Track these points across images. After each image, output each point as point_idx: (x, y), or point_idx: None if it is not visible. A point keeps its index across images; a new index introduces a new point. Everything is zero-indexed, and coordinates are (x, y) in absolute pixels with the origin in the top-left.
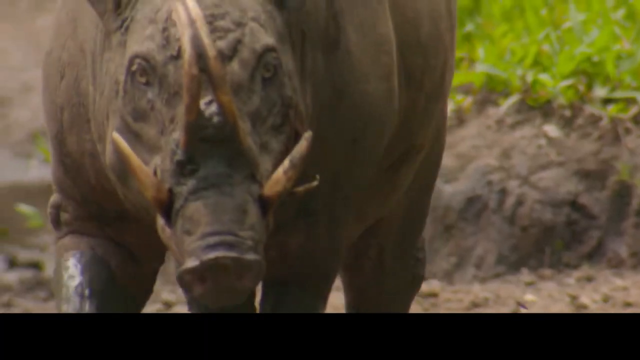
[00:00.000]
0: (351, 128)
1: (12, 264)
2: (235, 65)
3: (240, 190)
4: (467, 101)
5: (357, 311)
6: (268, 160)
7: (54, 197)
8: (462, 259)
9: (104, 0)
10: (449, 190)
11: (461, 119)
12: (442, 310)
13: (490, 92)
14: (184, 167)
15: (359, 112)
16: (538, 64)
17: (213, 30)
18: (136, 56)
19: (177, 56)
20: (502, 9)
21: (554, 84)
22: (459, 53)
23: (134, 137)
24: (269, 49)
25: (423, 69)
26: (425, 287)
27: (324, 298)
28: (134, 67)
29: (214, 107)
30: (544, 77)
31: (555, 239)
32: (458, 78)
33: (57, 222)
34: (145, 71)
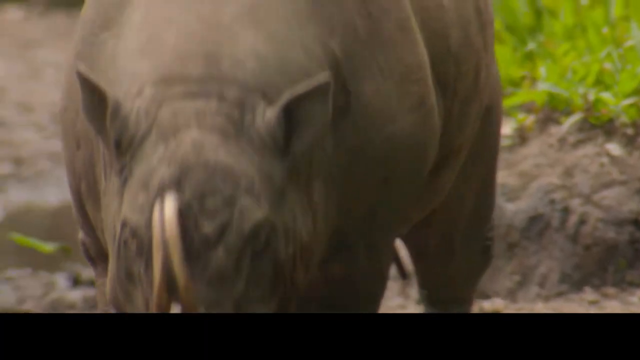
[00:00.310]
0: (380, 170)
1: (76, 282)
2: (220, 252)
3: None
4: (529, 120)
5: (428, 292)
6: None
7: (80, 234)
8: (525, 277)
9: (102, 130)
10: (512, 208)
11: (523, 137)
12: None
13: (552, 110)
14: None
15: (386, 154)
16: (600, 82)
17: (201, 210)
18: (127, 225)
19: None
20: (564, 27)
21: (616, 103)
22: (520, 71)
23: (125, 294)
24: (259, 225)
25: (455, 76)
26: (488, 305)
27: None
28: (126, 233)
29: None
30: (605, 96)
31: (618, 258)
32: (520, 97)
33: (89, 257)
34: (134, 240)
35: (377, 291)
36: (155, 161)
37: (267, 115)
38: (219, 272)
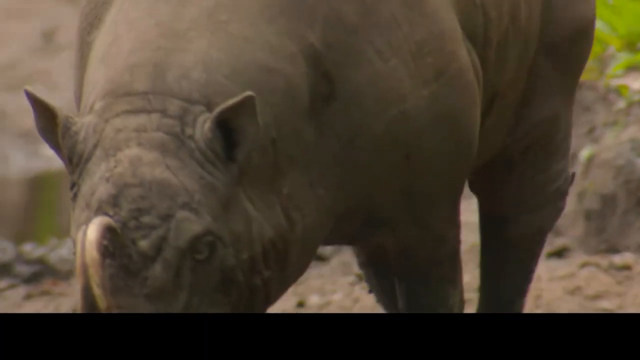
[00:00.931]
0: (397, 148)
1: None
2: (158, 267)
3: None
4: None
5: (492, 223)
6: None
7: None
8: None
9: (58, 147)
10: None
11: None
12: (635, 282)
13: None
14: None
15: (398, 133)
16: None
17: (137, 227)
18: (74, 242)
19: (103, 255)
20: None
21: None
22: None
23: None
24: (197, 238)
25: (484, 25)
26: (618, 259)
27: (452, 282)
28: (74, 250)
29: None
30: None
31: None
32: None
33: None
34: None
35: (440, 254)
36: (97, 179)
37: (204, 129)
38: (158, 287)
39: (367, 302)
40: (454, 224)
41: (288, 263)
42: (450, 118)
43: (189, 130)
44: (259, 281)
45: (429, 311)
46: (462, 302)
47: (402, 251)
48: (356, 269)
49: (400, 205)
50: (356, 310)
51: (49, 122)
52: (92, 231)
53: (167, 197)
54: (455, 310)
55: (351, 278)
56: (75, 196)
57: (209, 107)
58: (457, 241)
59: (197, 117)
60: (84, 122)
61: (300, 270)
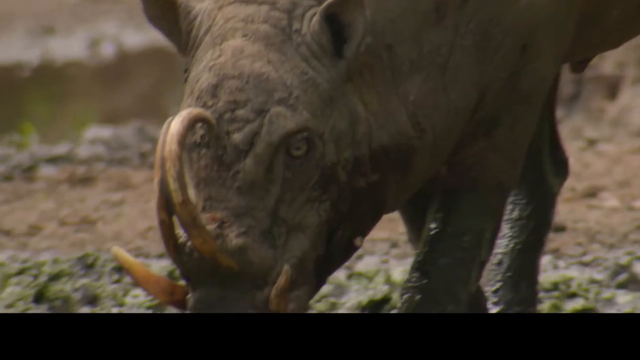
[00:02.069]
0: (518, 38)
1: None
2: (249, 162)
3: (236, 311)
4: None
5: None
6: (303, 240)
7: None
8: None
9: (177, 39)
10: None
11: None
12: None
13: None
14: (186, 283)
15: (523, 23)
16: None
17: (232, 120)
18: None
19: (200, 144)
20: None
21: None
22: None
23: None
24: (291, 133)
25: None
26: None
27: (493, 214)
28: None
29: (190, 245)
30: None
31: None
32: None
33: None
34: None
35: (511, 182)
36: (202, 67)
37: (312, 22)
38: (249, 180)
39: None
40: (524, 156)
41: (411, 169)
42: (562, 18)
43: (296, 24)
44: (363, 183)
45: (460, 234)
46: (489, 248)
47: (481, 162)
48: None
49: (504, 103)
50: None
51: (158, 9)
52: (176, 124)
53: (264, 91)
54: (483, 251)
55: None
56: (185, 81)
57: (319, 2)
58: (517, 180)
59: (306, 11)
60: (201, 8)
61: (423, 177)
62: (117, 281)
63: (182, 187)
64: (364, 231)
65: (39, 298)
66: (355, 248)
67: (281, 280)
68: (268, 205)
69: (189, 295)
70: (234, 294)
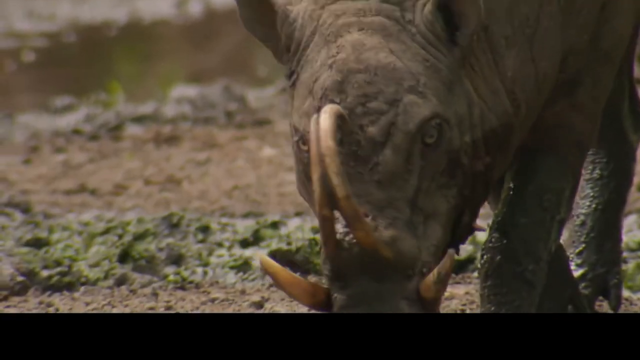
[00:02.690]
0: None
1: None
2: (388, 153)
3: (393, 304)
4: None
5: None
6: (437, 228)
7: None
8: None
9: (275, 42)
10: None
11: None
12: None
13: None
14: (334, 282)
15: None
16: None
17: (365, 113)
18: (297, 130)
19: None
20: None
21: None
22: None
23: (307, 193)
24: (426, 121)
25: None
26: None
27: (573, 173)
28: (296, 137)
29: (351, 237)
30: None
31: None
32: None
33: None
34: (305, 143)
35: (590, 138)
36: (318, 66)
37: (424, 12)
38: (389, 171)
39: None
40: (601, 114)
41: (510, 147)
42: None
43: (408, 15)
44: (481, 166)
45: (540, 193)
46: (569, 206)
47: (561, 121)
48: None
49: (585, 64)
50: None
51: (254, 12)
52: (325, 119)
53: (393, 81)
54: (562, 208)
55: None
56: (293, 84)
57: None
58: (596, 138)
59: (416, 1)
60: (299, 10)
61: (516, 147)
62: (201, 241)
63: (345, 181)
64: (478, 213)
65: (123, 257)
66: (473, 231)
67: (446, 266)
68: (408, 196)
69: (336, 295)
70: (387, 287)
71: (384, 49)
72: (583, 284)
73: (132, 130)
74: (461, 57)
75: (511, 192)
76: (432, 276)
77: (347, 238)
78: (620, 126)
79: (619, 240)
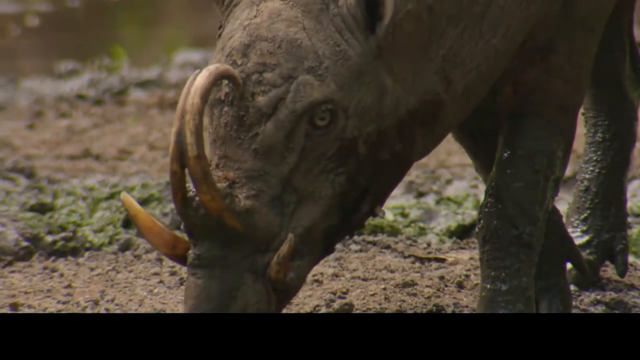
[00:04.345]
0: None
1: None
2: (270, 126)
3: (235, 273)
4: None
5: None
6: (313, 210)
7: None
8: None
9: None
10: None
11: None
12: None
13: None
14: (189, 237)
15: None
16: None
17: (259, 82)
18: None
19: (223, 101)
20: None
21: None
22: None
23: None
24: (316, 104)
25: None
26: None
27: (562, 133)
28: None
29: (197, 200)
30: None
31: None
32: None
33: None
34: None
35: (576, 102)
36: (237, 25)
37: None
38: (267, 144)
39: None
40: (589, 76)
41: (438, 123)
42: None
43: None
44: (386, 155)
45: (531, 156)
46: (563, 165)
47: (535, 89)
48: None
49: (561, 29)
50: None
51: None
52: (202, 77)
53: (295, 58)
54: (557, 168)
55: None
56: (219, 37)
57: None
58: (582, 100)
59: None
60: None
61: (456, 123)
62: None
63: (199, 141)
64: (384, 199)
65: (128, 223)
66: (374, 216)
67: (284, 249)
68: (282, 172)
69: (190, 251)
70: (234, 256)
71: (297, 24)
72: (588, 251)
73: (136, 95)
74: (377, 48)
75: (502, 157)
76: (275, 257)
77: (196, 198)
78: (620, 87)
79: (624, 204)
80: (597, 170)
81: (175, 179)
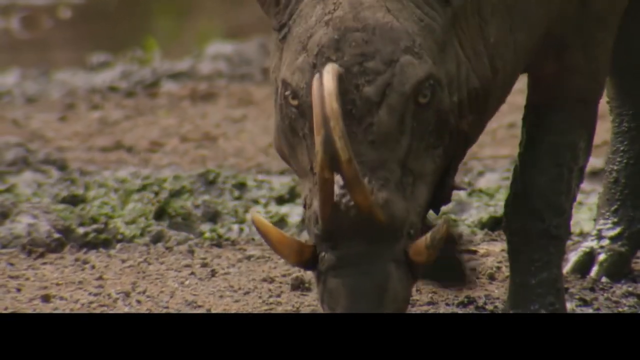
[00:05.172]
0: None
1: None
2: (382, 113)
3: (381, 266)
4: None
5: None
6: (424, 188)
7: None
8: None
9: None
10: None
11: None
12: None
13: None
14: (324, 242)
15: None
16: None
17: (361, 72)
18: (287, 85)
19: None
20: None
21: None
22: None
23: (291, 149)
24: (421, 82)
25: None
26: None
27: (583, 125)
28: (286, 92)
29: (348, 199)
30: None
31: None
32: None
33: None
34: (295, 98)
35: (595, 93)
36: (314, 21)
37: None
38: (383, 132)
39: None
40: (607, 67)
41: (487, 109)
42: None
43: None
44: (465, 125)
45: (554, 150)
46: (586, 154)
47: (559, 81)
48: None
49: (575, 26)
50: None
51: None
52: (329, 80)
53: (391, 41)
54: (580, 159)
55: None
56: (284, 38)
57: None
58: (602, 91)
59: None
60: None
61: (493, 113)
62: (237, 198)
63: (348, 144)
64: (456, 172)
65: (160, 215)
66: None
67: (441, 231)
68: (399, 156)
69: (324, 254)
70: (376, 248)
71: (381, 8)
72: (620, 243)
73: (168, 87)
74: (453, 17)
75: (526, 152)
76: (425, 240)
77: (343, 200)
78: None
79: None
80: (624, 161)
81: (327, 186)
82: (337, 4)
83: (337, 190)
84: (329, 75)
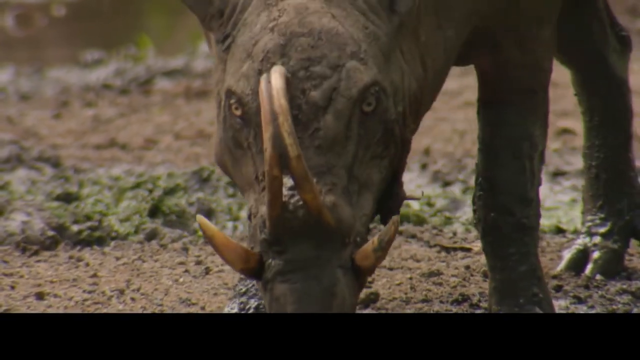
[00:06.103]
0: None
1: None
2: (329, 118)
3: (329, 270)
4: None
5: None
6: (369, 197)
7: None
8: None
9: (205, 7)
10: None
11: None
12: None
13: None
14: (271, 247)
15: None
16: None
17: (307, 77)
18: (232, 93)
19: None
20: None
21: None
22: None
23: (235, 162)
24: (367, 88)
25: None
26: None
27: (534, 113)
28: (231, 101)
29: (297, 199)
30: None
31: None
32: None
33: None
34: (240, 107)
35: (536, 84)
36: (258, 29)
37: None
38: (330, 137)
39: None
40: (550, 54)
41: (421, 110)
42: None
43: None
44: (409, 134)
45: (511, 143)
46: (544, 138)
47: (501, 74)
48: None
49: (506, 24)
50: None
51: None
52: (277, 78)
53: (337, 46)
54: (539, 145)
55: None
56: (228, 48)
57: None
58: (550, 75)
59: None
60: None
61: (424, 113)
62: (231, 195)
63: (296, 141)
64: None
65: (154, 212)
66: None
67: (390, 232)
68: (346, 163)
69: (271, 261)
70: (325, 253)
71: (326, 14)
72: (612, 239)
73: (162, 84)
74: (399, 26)
75: (484, 148)
76: (372, 244)
77: (292, 200)
78: (607, 66)
79: (636, 180)
80: (602, 156)
81: (275, 184)
82: (282, 10)
83: (285, 191)
84: (276, 74)
